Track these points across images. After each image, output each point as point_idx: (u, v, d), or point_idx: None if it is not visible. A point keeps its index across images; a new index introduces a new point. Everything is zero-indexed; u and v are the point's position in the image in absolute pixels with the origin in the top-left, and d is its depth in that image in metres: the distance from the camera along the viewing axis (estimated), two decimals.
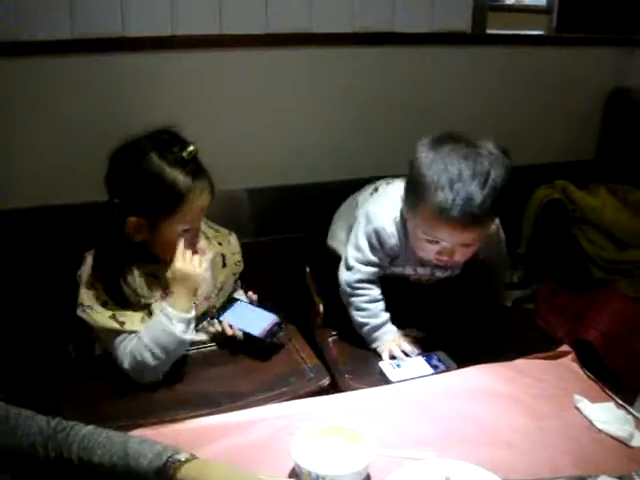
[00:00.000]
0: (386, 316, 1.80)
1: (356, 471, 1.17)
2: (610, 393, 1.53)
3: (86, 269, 1.62)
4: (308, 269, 2.09)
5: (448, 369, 1.66)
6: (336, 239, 1.99)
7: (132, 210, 1.57)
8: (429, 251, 1.68)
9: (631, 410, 1.47)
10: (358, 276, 1.80)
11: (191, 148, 1.58)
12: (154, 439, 1.13)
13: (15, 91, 1.90)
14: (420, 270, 1.85)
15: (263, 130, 2.22)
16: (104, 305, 1.58)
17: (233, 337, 1.70)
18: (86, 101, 1.97)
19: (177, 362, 1.60)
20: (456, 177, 1.53)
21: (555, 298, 2.41)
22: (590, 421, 1.43)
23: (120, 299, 1.58)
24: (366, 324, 1.78)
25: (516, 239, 2.60)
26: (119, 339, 1.57)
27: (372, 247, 1.77)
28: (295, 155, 1.99)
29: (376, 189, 1.87)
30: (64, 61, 1.91)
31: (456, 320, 1.89)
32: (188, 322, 1.57)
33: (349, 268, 1.81)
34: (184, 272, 1.57)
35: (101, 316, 1.57)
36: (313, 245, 2.07)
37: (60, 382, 1.57)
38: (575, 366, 1.62)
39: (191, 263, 1.58)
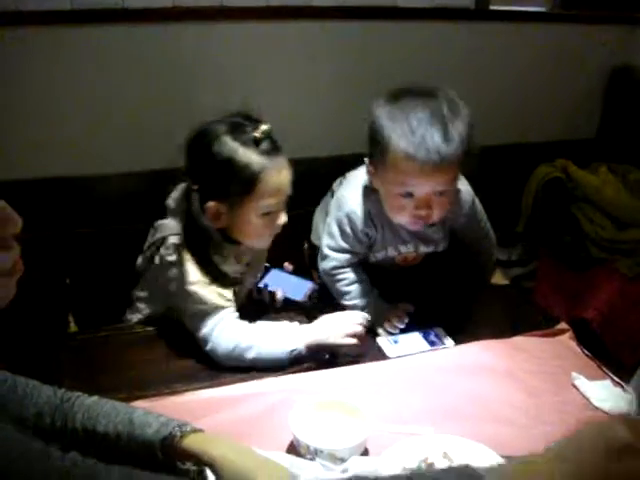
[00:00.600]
0: (372, 295, 1.77)
1: (354, 445, 1.18)
2: (607, 371, 1.54)
3: (170, 252, 1.59)
4: (306, 246, 2.08)
5: (445, 345, 1.66)
6: (316, 234, 1.96)
7: (210, 196, 1.55)
8: (406, 210, 1.63)
9: (627, 388, 1.48)
10: (332, 264, 1.77)
11: (264, 127, 1.55)
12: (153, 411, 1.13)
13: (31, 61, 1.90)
14: (403, 248, 1.81)
15: (261, 103, 2.20)
16: (209, 283, 1.57)
17: (272, 303, 1.70)
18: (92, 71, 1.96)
19: (179, 334, 1.60)
20: (417, 123, 1.52)
21: (554, 276, 2.42)
22: (587, 398, 1.44)
23: (218, 279, 1.57)
24: (354, 306, 1.77)
25: (515, 217, 2.61)
26: (216, 319, 1.54)
27: (343, 233, 1.74)
28: (292, 129, 1.97)
29: (344, 176, 1.85)
30: (66, 31, 1.90)
31: (453, 297, 1.88)
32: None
33: (323, 257, 1.79)
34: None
35: (209, 291, 1.55)
36: (310, 222, 2.06)
37: (60, 354, 1.57)
38: (573, 344, 1.63)
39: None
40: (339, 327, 1.55)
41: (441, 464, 1.20)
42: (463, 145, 1.56)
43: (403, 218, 1.66)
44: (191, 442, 1.05)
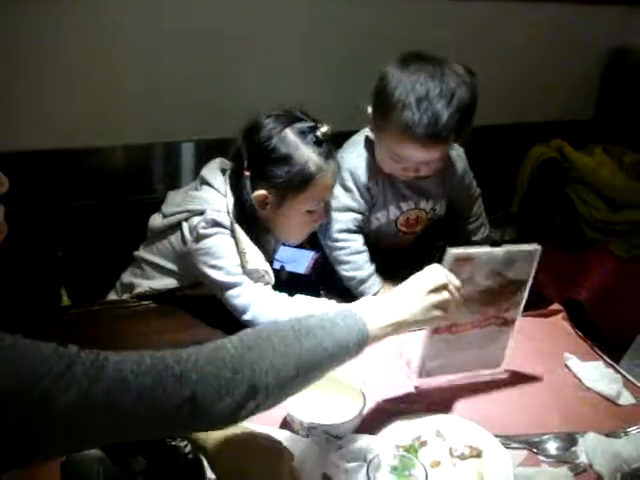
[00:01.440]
0: (371, 268, 1.79)
1: (348, 421, 1.18)
2: (599, 352, 1.56)
3: (207, 225, 1.58)
4: None
5: None
6: None
7: (261, 184, 1.59)
8: (395, 168, 1.72)
9: (619, 369, 1.49)
10: (337, 226, 1.78)
11: (325, 128, 1.59)
12: None
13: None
14: (404, 205, 1.84)
15: (259, 75, 2.18)
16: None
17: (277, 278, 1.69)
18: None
19: (172, 309, 1.60)
20: (423, 96, 1.57)
21: (547, 257, 2.40)
22: (579, 379, 1.45)
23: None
24: (352, 278, 1.77)
25: (509, 197, 2.60)
26: (256, 289, 1.57)
27: (346, 189, 1.76)
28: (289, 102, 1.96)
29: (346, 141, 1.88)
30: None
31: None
32: None
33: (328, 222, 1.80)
34: None
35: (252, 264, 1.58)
36: None
37: (52, 327, 1.56)
38: (566, 325, 1.64)
39: None
40: None
41: (434, 443, 1.21)
42: (461, 122, 1.62)
43: (391, 171, 1.74)
44: None
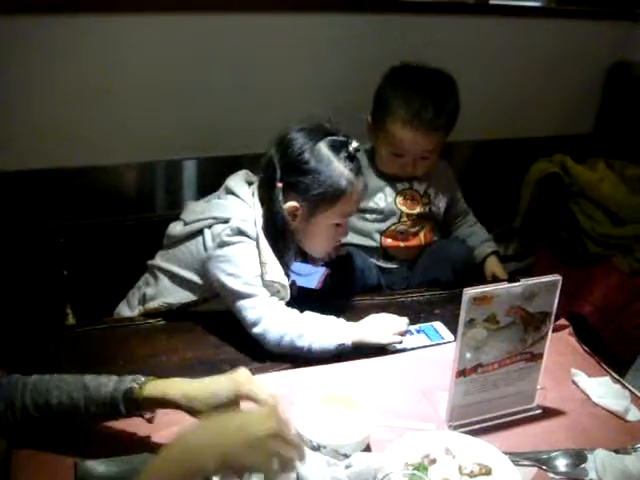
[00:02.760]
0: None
1: (357, 441, 1.18)
2: (606, 368, 1.55)
3: (231, 233, 1.60)
4: None
5: (445, 340, 1.66)
6: None
7: (293, 196, 1.61)
8: (395, 165, 1.97)
9: (627, 385, 1.49)
10: None
11: (356, 144, 1.63)
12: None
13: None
14: (399, 185, 2.01)
15: (259, 96, 2.19)
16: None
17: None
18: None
19: (180, 327, 1.60)
20: (415, 96, 1.88)
21: (550, 272, 2.40)
22: (587, 395, 1.44)
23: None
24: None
25: (512, 212, 2.61)
26: (268, 303, 1.58)
27: None
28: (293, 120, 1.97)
29: None
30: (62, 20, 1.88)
31: (452, 291, 1.88)
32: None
33: None
34: None
35: (270, 276, 1.59)
36: None
37: (57, 346, 1.56)
38: (572, 340, 1.64)
39: None
40: (387, 327, 1.61)
41: (444, 460, 1.20)
42: (450, 119, 1.94)
43: (391, 170, 2.00)
44: (150, 390, 1.11)
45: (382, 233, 2.02)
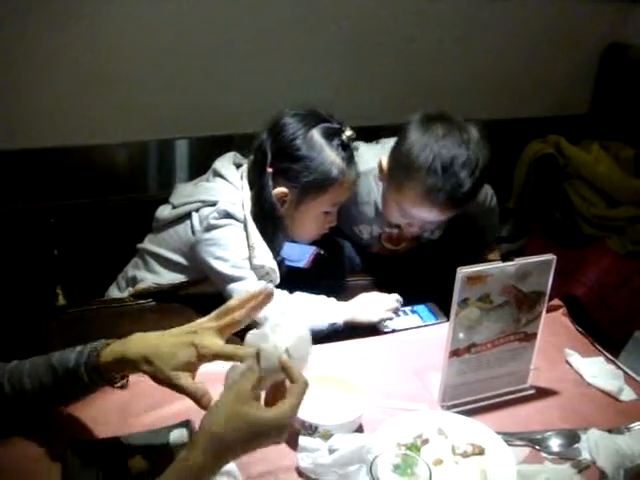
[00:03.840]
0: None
1: (349, 421, 1.17)
2: (600, 348, 1.54)
3: (218, 217, 1.58)
4: None
5: (438, 320, 1.66)
6: None
7: (282, 182, 1.60)
8: (400, 222, 1.77)
9: (620, 365, 1.48)
10: None
11: (350, 132, 1.62)
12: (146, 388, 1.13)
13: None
14: (387, 229, 1.87)
15: (252, 76, 2.17)
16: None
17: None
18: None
19: (170, 307, 1.59)
20: (449, 164, 1.57)
21: (544, 253, 2.40)
22: (580, 375, 1.44)
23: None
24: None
25: (506, 193, 2.59)
26: (258, 286, 1.51)
27: None
28: (284, 101, 1.94)
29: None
30: None
31: (446, 272, 1.87)
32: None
33: None
34: None
35: (259, 260, 1.58)
36: None
37: (48, 327, 1.55)
38: (566, 320, 1.63)
39: None
40: (378, 305, 1.62)
41: (436, 441, 1.20)
42: (474, 194, 1.66)
43: (395, 222, 1.78)
44: (108, 353, 1.08)
45: (366, 248, 1.96)
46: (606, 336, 2.01)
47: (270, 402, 0.98)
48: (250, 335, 1.03)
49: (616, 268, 2.28)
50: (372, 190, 1.84)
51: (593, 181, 2.39)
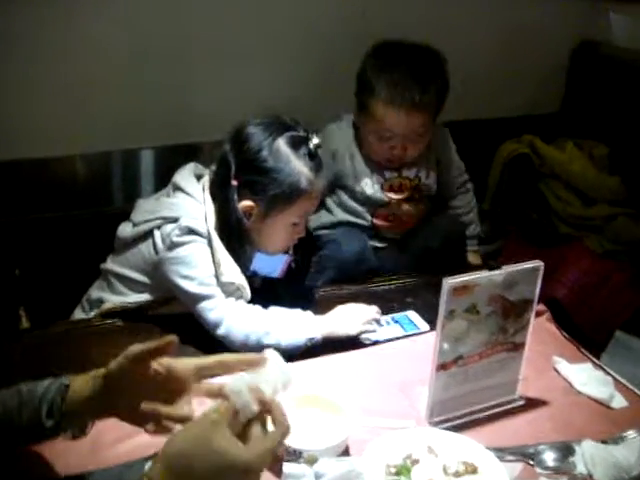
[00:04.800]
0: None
1: (335, 444, 1.11)
2: (587, 353, 1.51)
3: (180, 233, 1.51)
4: None
5: (420, 330, 1.61)
6: None
7: (248, 194, 1.53)
8: (381, 151, 1.90)
9: (609, 371, 1.44)
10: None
11: (316, 141, 1.55)
12: None
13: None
14: (387, 173, 1.95)
15: (218, 81, 2.10)
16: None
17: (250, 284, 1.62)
18: None
19: (140, 327, 1.52)
20: (398, 76, 1.80)
21: (521, 254, 2.36)
22: (569, 383, 1.40)
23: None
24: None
25: (481, 194, 2.55)
26: (229, 303, 1.51)
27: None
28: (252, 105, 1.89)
29: None
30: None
31: (425, 279, 1.83)
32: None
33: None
34: None
35: (227, 277, 1.52)
36: None
37: (11, 353, 1.46)
38: (551, 326, 1.60)
39: None
40: (356, 317, 1.56)
41: (427, 460, 1.14)
42: (438, 98, 1.87)
43: (379, 157, 1.91)
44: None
45: (373, 214, 1.98)
46: (588, 338, 1.98)
47: (242, 437, 0.86)
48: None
49: (595, 268, 2.25)
50: (349, 142, 1.95)
51: (568, 180, 2.36)
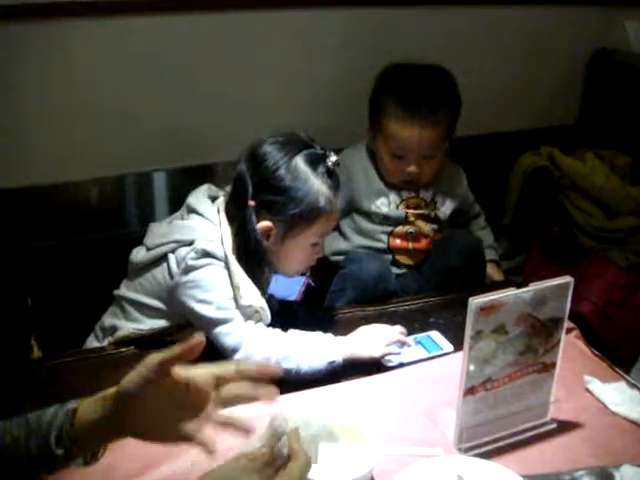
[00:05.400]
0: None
1: (360, 476, 1.06)
2: (620, 372, 1.45)
3: (196, 256, 1.48)
4: None
5: (444, 351, 1.55)
6: None
7: (266, 215, 1.49)
8: (397, 170, 1.88)
9: None
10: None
11: (335, 158, 1.52)
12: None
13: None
14: (404, 193, 1.93)
15: (231, 101, 2.08)
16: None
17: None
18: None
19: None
20: (409, 92, 1.82)
21: (543, 270, 2.31)
22: (603, 403, 1.34)
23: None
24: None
25: (500, 209, 2.51)
26: (247, 326, 1.46)
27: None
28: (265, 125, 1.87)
29: None
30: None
31: (448, 298, 1.78)
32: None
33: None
34: None
35: (246, 300, 1.48)
36: None
37: (22, 383, 1.42)
38: (580, 343, 1.54)
39: None
40: (379, 338, 1.51)
41: None
42: (451, 114, 1.88)
43: (396, 178, 1.90)
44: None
45: (389, 234, 1.93)
46: (614, 354, 1.92)
47: None
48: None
49: (620, 282, 2.19)
50: (364, 163, 1.95)
51: (590, 192, 2.31)
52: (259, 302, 1.49)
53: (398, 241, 1.94)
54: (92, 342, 1.63)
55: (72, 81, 1.86)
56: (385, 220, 1.92)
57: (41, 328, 1.70)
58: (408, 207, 1.93)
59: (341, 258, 1.89)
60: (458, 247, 1.91)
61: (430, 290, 1.86)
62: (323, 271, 1.85)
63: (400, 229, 1.93)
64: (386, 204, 1.91)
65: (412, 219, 1.93)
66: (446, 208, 1.98)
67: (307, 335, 1.49)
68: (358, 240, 1.93)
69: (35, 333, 1.66)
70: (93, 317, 1.66)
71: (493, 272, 2.02)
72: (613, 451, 1.21)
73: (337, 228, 1.90)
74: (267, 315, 1.51)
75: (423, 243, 1.95)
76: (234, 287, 1.46)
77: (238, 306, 1.46)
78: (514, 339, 1.17)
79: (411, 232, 1.93)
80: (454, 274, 1.87)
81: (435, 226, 1.96)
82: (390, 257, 1.94)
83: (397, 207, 1.92)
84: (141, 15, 1.90)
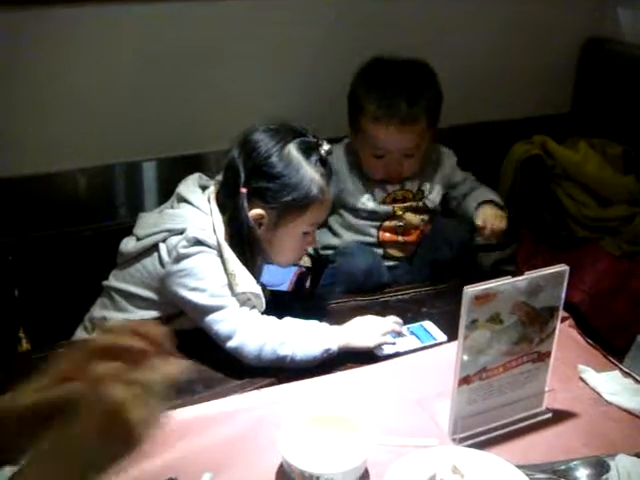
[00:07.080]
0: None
1: (354, 467, 1.05)
2: (615, 361, 1.44)
3: (188, 245, 1.46)
4: None
5: (437, 340, 1.54)
6: None
7: (258, 203, 1.49)
8: (379, 168, 1.86)
9: (639, 378, 1.37)
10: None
11: (327, 147, 1.51)
12: None
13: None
14: (389, 187, 1.90)
15: (221, 90, 2.05)
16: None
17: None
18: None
19: None
20: (386, 91, 1.78)
21: (536, 259, 2.30)
22: (598, 393, 1.33)
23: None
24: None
25: None
26: (242, 313, 1.45)
27: None
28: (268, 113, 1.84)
29: None
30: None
31: (440, 287, 1.78)
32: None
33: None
34: None
35: (242, 287, 1.47)
36: None
37: (10, 376, 1.40)
38: (574, 332, 1.54)
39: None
40: (374, 328, 1.50)
41: None
42: (430, 111, 1.83)
43: (378, 175, 1.88)
44: None
45: (379, 228, 1.91)
46: (607, 343, 1.91)
47: None
48: None
49: (613, 271, 2.17)
50: (349, 159, 1.92)
51: (583, 181, 2.28)
52: (255, 289, 1.48)
53: (388, 235, 1.92)
54: (81, 334, 1.61)
55: (61, 71, 1.82)
56: (373, 215, 1.91)
57: (29, 320, 1.68)
58: (395, 201, 1.91)
59: (331, 252, 1.88)
60: (447, 239, 1.90)
61: (421, 281, 1.84)
62: (314, 263, 1.85)
63: (389, 223, 1.92)
64: (372, 200, 1.90)
65: (400, 213, 1.92)
66: (434, 196, 1.96)
67: (302, 323, 1.49)
68: (347, 235, 1.91)
69: (23, 325, 1.64)
70: (82, 308, 1.64)
71: (486, 212, 1.92)
72: (608, 440, 1.20)
73: (326, 225, 1.89)
74: (262, 302, 1.50)
75: (413, 235, 1.94)
76: (229, 274, 1.45)
77: (233, 294, 1.44)
78: (509, 328, 1.16)
79: (400, 225, 1.92)
80: (444, 266, 1.86)
81: (425, 217, 1.94)
82: (381, 251, 1.92)
83: (384, 202, 1.90)
84: (129, 3, 1.87)
